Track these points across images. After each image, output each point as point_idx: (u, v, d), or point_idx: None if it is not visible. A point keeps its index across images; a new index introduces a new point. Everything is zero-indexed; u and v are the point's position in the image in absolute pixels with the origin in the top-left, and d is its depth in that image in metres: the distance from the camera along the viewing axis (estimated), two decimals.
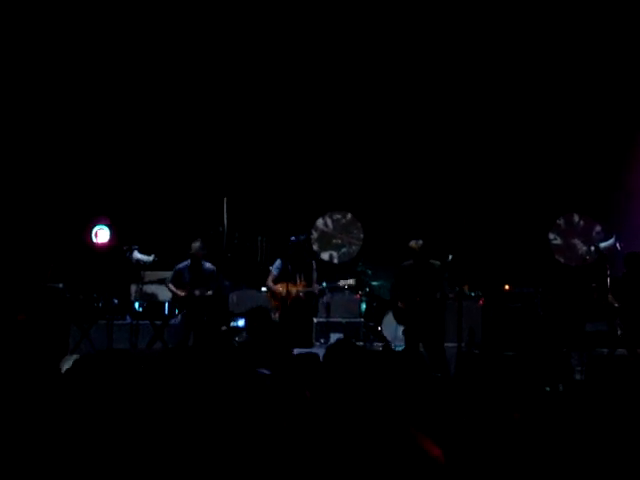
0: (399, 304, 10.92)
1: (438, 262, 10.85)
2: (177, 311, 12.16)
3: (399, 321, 11.23)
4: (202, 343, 11.18)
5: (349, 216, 15.34)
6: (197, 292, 11.57)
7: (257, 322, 8.79)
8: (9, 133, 14.37)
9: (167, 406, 4.10)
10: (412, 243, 10.85)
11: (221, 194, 12.08)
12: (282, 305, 11.40)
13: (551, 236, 14.87)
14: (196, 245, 11.72)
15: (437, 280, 10.71)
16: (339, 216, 15.39)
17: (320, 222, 15.35)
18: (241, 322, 12.33)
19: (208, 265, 11.79)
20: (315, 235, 15.26)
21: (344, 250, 14.91)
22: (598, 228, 14.64)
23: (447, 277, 10.97)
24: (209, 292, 11.62)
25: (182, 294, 11.68)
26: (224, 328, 11.83)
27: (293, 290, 11.36)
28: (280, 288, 11.40)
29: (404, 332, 12.63)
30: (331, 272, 13.78)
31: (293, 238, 11.56)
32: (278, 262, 11.65)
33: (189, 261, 11.75)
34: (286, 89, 14.86)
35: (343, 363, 4.20)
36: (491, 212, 14.34)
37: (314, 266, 11.72)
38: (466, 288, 11.02)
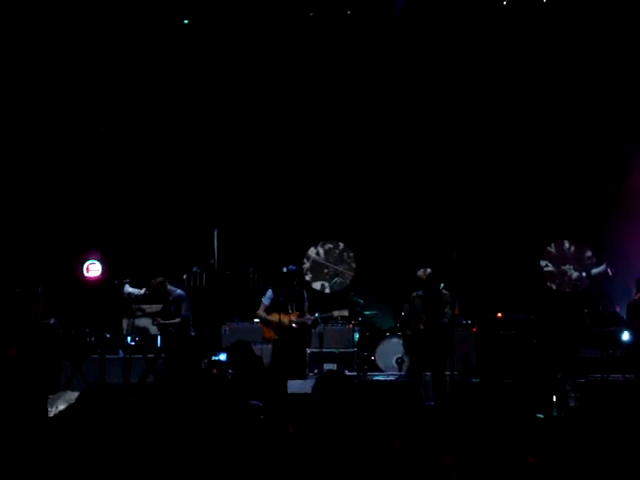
0: (407, 332, 11.04)
1: (447, 292, 10.85)
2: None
3: (407, 350, 11.37)
4: (183, 375, 11.17)
5: (342, 246, 15.32)
6: (155, 322, 11.74)
7: (239, 356, 8.76)
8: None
9: (158, 439, 4.08)
10: (420, 272, 10.95)
11: (212, 226, 12.09)
12: (276, 334, 11.36)
13: (543, 263, 14.87)
14: (152, 280, 11.87)
15: (441, 308, 10.74)
16: (332, 246, 15.37)
17: (312, 251, 15.33)
18: (223, 356, 12.28)
19: (176, 292, 11.85)
20: (307, 265, 15.24)
21: (336, 280, 14.87)
22: (589, 254, 14.66)
23: (450, 304, 10.91)
24: (175, 320, 11.63)
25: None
26: (205, 361, 11.78)
27: (286, 320, 11.32)
28: (273, 317, 11.36)
29: (397, 361, 12.71)
30: (323, 302, 13.75)
31: (284, 269, 11.53)
32: (269, 292, 11.62)
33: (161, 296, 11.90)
34: (275, 120, 14.90)
35: (333, 394, 4.18)
36: (483, 240, 14.34)
37: (305, 296, 11.70)
38: (457, 311, 11.05)
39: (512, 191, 14.54)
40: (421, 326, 10.73)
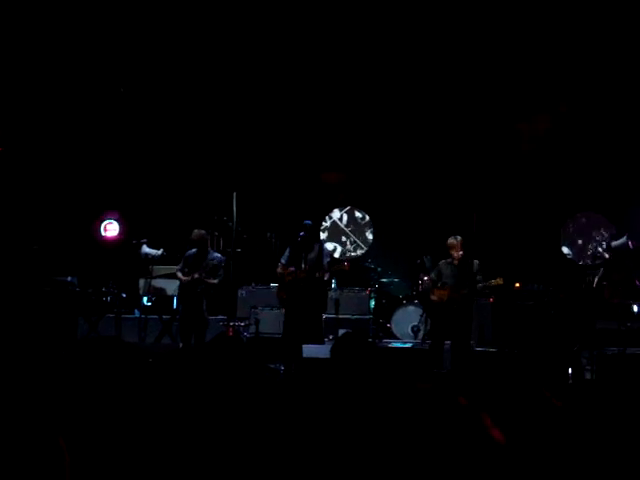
0: (432, 297, 10.91)
1: (477, 261, 10.76)
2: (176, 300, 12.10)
3: (429, 315, 11.32)
4: (203, 338, 11.04)
5: (367, 219, 15.17)
6: (196, 275, 11.13)
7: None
8: (21, 127, 14.36)
9: (173, 402, 4.05)
10: (451, 240, 10.75)
11: (230, 189, 12.03)
12: (285, 292, 11.30)
13: (563, 234, 14.75)
14: (196, 231, 11.35)
15: (471, 277, 10.63)
16: (360, 215, 15.21)
17: (336, 214, 15.18)
18: None
19: (216, 254, 11.55)
20: (327, 224, 15.08)
21: (349, 248, 14.84)
22: (610, 227, 14.53)
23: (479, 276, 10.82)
24: (214, 280, 11.24)
25: (184, 278, 11.28)
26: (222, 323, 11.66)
27: (295, 275, 11.14)
28: (282, 272, 11.27)
29: (413, 329, 12.67)
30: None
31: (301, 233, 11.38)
32: (287, 250, 11.50)
33: (195, 249, 11.39)
34: (295, 86, 14.75)
35: (350, 357, 4.14)
36: (503, 210, 14.24)
37: (325, 251, 11.47)
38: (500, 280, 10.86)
39: (534, 161, 14.41)
40: (446, 296, 10.64)
